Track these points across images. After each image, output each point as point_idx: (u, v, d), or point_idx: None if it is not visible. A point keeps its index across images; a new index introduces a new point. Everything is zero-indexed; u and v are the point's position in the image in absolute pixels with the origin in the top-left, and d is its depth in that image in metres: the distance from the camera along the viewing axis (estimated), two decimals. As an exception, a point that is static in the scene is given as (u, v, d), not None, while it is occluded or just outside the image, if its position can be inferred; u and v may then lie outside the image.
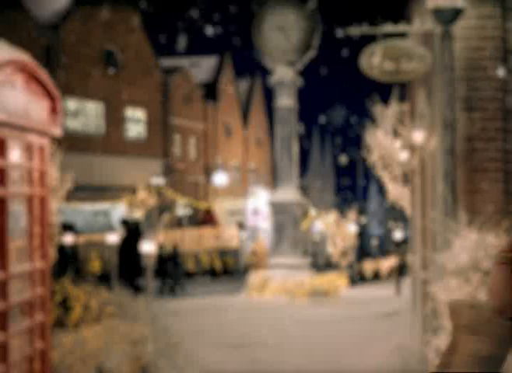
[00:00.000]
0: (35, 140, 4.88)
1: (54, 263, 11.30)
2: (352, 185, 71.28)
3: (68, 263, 16.77)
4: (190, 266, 27.49)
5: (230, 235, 34.12)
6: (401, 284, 18.57)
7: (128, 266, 16.62)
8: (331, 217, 29.96)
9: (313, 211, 38.85)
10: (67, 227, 17.54)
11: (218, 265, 29.72)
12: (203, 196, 37.40)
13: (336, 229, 28.66)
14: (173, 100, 35.13)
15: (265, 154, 48.76)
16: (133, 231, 17.99)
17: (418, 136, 10.73)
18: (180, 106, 36.00)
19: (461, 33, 6.96)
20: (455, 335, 1.07)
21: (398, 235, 34.36)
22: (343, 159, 60.00)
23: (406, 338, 9.97)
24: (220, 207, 38.17)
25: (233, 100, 43.99)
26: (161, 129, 34.06)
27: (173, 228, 30.69)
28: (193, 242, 30.51)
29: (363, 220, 48.87)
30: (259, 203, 39.46)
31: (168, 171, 33.98)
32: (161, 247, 21.34)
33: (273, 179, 33.79)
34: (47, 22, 26.74)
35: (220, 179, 37.04)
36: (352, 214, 31.35)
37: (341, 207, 45.97)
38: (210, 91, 40.18)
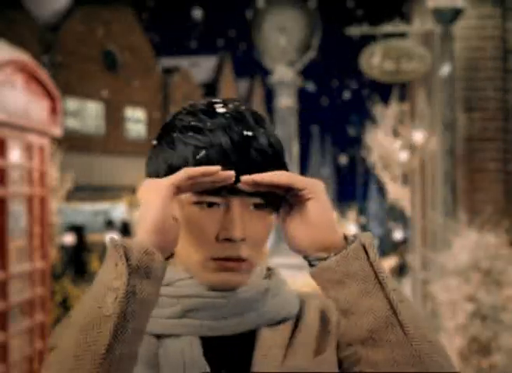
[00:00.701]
0: (35, 140, 4.88)
1: (57, 263, 11.31)
2: (352, 185, 71.30)
3: (69, 263, 16.76)
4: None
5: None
6: (401, 284, 18.56)
7: None
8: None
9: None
10: (76, 228, 17.56)
11: (218, 265, 29.68)
12: (203, 196, 37.38)
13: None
14: (173, 100, 35.13)
15: (265, 154, 48.79)
16: (122, 232, 17.99)
17: (418, 136, 10.74)
18: (180, 106, 35.97)
19: (461, 33, 6.97)
20: (133, 278, 0.98)
21: (397, 235, 34.35)
22: (343, 159, 60.00)
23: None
24: (220, 207, 38.12)
25: (233, 100, 43.99)
26: (161, 129, 34.04)
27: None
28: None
29: (363, 220, 48.80)
30: (259, 203, 39.37)
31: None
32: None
33: (273, 179, 33.69)
34: (47, 22, 26.75)
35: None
36: (352, 214, 31.33)
37: (341, 207, 45.95)
38: (210, 91, 40.19)
